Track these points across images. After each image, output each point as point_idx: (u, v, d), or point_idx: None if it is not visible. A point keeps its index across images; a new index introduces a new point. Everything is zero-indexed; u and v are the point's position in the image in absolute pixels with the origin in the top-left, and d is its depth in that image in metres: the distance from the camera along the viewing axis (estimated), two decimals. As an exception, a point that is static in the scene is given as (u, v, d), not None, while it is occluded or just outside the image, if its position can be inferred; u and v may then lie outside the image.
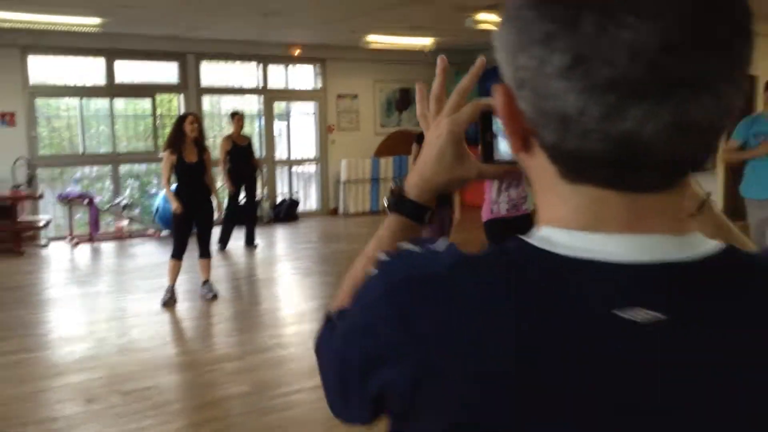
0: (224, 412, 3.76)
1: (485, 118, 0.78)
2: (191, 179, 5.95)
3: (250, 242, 8.87)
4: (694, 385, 0.54)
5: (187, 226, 6.00)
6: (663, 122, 0.51)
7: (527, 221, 4.57)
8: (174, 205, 5.90)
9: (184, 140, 5.88)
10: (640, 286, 0.56)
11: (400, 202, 0.85)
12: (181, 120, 6.00)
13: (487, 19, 8.33)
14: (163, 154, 6.01)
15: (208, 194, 6.15)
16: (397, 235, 0.85)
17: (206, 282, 6.20)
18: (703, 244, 0.58)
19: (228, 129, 9.26)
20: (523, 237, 0.60)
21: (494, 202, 4.71)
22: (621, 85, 0.51)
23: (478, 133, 0.81)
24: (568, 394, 0.54)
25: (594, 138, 0.53)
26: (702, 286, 0.56)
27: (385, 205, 0.88)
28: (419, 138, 7.28)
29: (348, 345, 0.66)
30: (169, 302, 5.91)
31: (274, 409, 3.80)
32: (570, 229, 0.58)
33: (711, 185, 7.55)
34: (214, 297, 6.14)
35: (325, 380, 0.74)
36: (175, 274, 5.96)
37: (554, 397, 0.54)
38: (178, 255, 5.96)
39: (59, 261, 8.38)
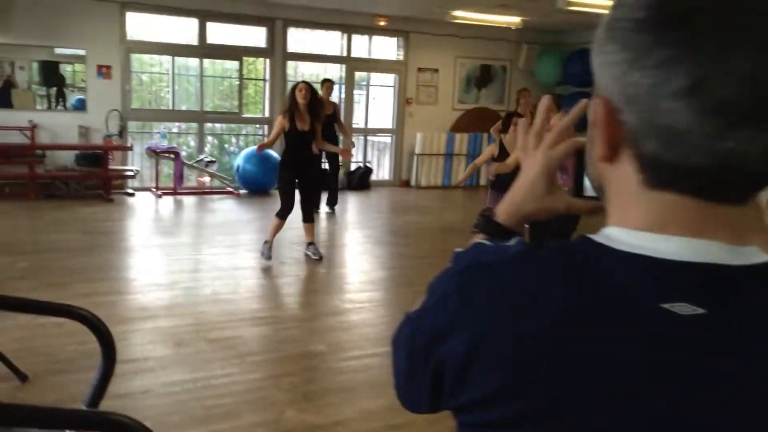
0: (302, 368, 3.99)
1: (579, 155, 0.83)
2: (299, 146, 6.18)
3: (331, 205, 9.21)
4: (725, 376, 0.61)
5: (294, 189, 6.25)
6: (763, 145, 0.58)
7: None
8: (266, 142, 6.28)
9: (297, 107, 6.10)
10: (687, 282, 0.62)
11: (488, 224, 0.90)
12: (293, 89, 6.22)
13: (579, 1, 8.21)
14: (278, 118, 6.30)
15: (314, 161, 6.41)
16: None
17: (311, 243, 6.49)
18: (757, 256, 0.64)
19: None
20: (588, 234, 0.67)
21: None
22: (733, 109, 0.57)
23: (573, 168, 0.86)
24: (603, 367, 0.61)
25: (699, 153, 0.59)
26: (745, 288, 0.62)
27: (474, 226, 0.92)
28: (507, 116, 7.21)
29: (419, 325, 0.72)
30: (268, 256, 6.20)
31: (348, 369, 4.01)
32: (635, 229, 0.65)
33: None
34: (320, 258, 6.44)
35: (395, 368, 0.80)
36: (276, 231, 6.25)
37: (587, 370, 0.61)
38: (283, 215, 6.21)
39: (145, 210, 8.84)
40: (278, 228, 6.23)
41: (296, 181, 6.21)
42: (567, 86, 12.11)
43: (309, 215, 6.41)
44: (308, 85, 6.20)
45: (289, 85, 10.74)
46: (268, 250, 6.20)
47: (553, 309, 0.63)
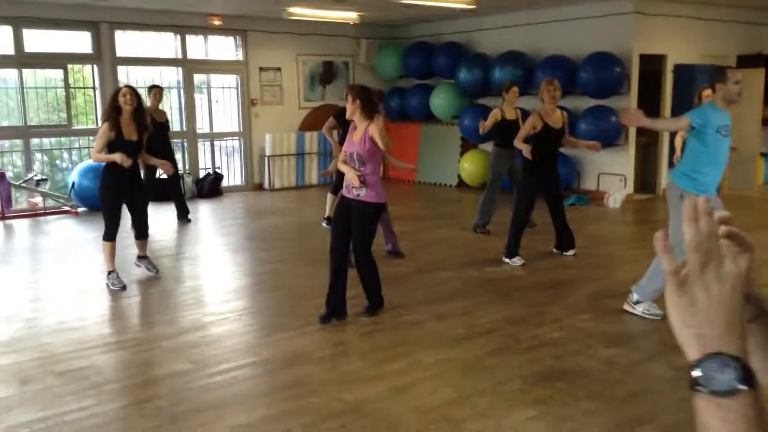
0: (166, 390, 3.75)
1: None
2: (127, 158, 5.58)
3: (183, 216, 8.79)
4: None
5: (120, 207, 5.78)
6: None
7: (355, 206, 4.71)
8: (118, 158, 5.43)
9: (121, 115, 5.57)
10: None
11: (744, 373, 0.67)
12: (115, 93, 5.66)
13: (413, -5, 8.41)
14: (101, 128, 5.61)
15: (139, 174, 5.97)
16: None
17: (144, 257, 6.10)
18: None
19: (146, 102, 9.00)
20: None
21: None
22: None
23: None
24: None
25: None
26: None
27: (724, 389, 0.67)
28: (337, 113, 7.17)
29: None
30: (122, 286, 5.70)
31: (217, 385, 3.82)
32: None
33: (623, 160, 7.87)
34: (156, 272, 6.08)
35: None
36: (113, 255, 5.75)
37: None
38: (112, 236, 5.73)
39: (-31, 240, 7.98)
40: (113, 251, 5.75)
41: (123, 198, 5.73)
42: (408, 79, 12.43)
43: (143, 231, 5.99)
44: (132, 90, 5.66)
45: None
46: (116, 279, 5.72)
47: None
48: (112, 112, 5.57)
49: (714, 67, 6.87)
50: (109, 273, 5.75)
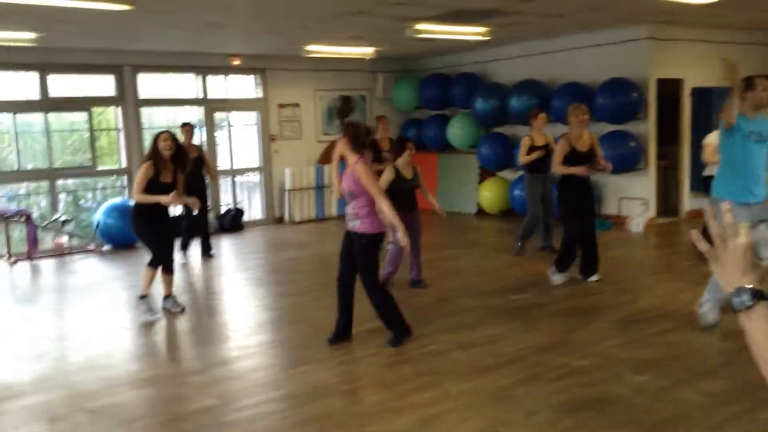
0: (193, 426, 3.76)
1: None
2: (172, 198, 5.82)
3: (206, 252, 8.89)
4: None
5: (159, 232, 5.94)
6: None
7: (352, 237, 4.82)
8: (165, 199, 5.71)
9: (161, 157, 5.82)
10: None
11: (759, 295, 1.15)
12: (155, 138, 5.92)
13: (427, 29, 8.53)
14: (142, 166, 5.87)
15: (167, 211, 6.11)
16: None
17: (169, 296, 6.18)
18: None
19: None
20: None
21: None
22: None
23: None
24: None
25: None
26: None
27: (743, 307, 1.16)
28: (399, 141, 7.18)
29: None
30: (154, 311, 5.90)
31: (244, 420, 3.83)
32: None
33: (644, 184, 7.86)
34: (182, 310, 6.14)
35: None
36: (150, 282, 5.94)
37: None
38: (157, 263, 5.92)
39: (-2, 281, 8.11)
40: (152, 278, 5.93)
41: (159, 227, 5.93)
42: (424, 110, 12.54)
43: (170, 265, 6.11)
44: (171, 135, 5.97)
45: (145, 133, 10.43)
46: (148, 305, 5.88)
47: None
48: (153, 155, 5.83)
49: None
50: (141, 297, 5.91)
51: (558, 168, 6.36)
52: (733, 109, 4.67)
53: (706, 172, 6.74)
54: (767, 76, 4.93)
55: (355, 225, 4.79)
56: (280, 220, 11.88)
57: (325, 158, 12.17)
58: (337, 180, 5.04)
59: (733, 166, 4.75)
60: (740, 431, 3.41)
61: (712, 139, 6.60)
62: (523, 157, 7.73)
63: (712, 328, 4.95)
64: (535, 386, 4.10)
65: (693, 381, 4.09)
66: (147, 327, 5.77)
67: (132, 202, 6.13)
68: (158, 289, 6.16)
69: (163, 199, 5.73)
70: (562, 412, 3.70)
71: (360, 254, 4.81)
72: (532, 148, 7.68)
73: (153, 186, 5.79)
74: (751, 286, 1.15)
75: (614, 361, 4.48)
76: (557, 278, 6.50)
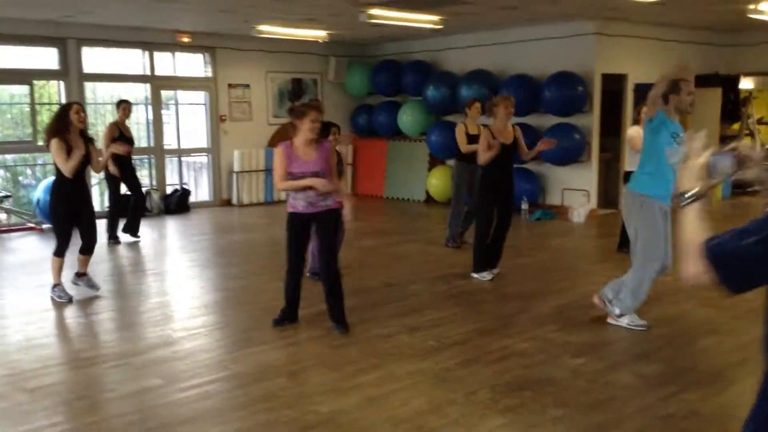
0: (137, 406, 3.74)
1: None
2: (77, 172, 5.64)
3: (133, 233, 8.59)
4: None
5: (72, 222, 5.78)
6: None
7: (324, 216, 4.81)
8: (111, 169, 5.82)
9: (69, 130, 5.60)
10: None
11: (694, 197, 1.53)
12: (65, 109, 5.68)
13: (381, 15, 8.54)
14: (52, 143, 5.56)
15: (88, 187, 5.95)
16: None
17: (84, 274, 6.03)
18: None
19: (110, 117, 8.99)
20: None
21: (294, 197, 4.87)
22: None
23: None
24: None
25: None
26: None
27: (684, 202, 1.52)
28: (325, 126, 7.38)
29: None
30: (69, 298, 5.73)
31: (188, 400, 3.82)
32: None
33: (586, 176, 8.04)
34: (98, 289, 6.03)
35: (733, 269, 1.36)
36: (60, 271, 5.79)
37: None
38: (62, 252, 5.76)
39: (-70, 258, 7.81)
40: (62, 266, 5.78)
41: (74, 211, 5.72)
42: (376, 96, 12.56)
43: (90, 246, 5.93)
44: (82, 107, 5.77)
45: (89, 108, 10.12)
46: (63, 292, 5.77)
47: None
48: (61, 128, 5.58)
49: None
50: (55, 286, 5.79)
51: (480, 158, 6.19)
52: (655, 103, 4.73)
53: (629, 167, 6.75)
54: (697, 78, 4.94)
55: (328, 203, 4.81)
56: (228, 203, 11.75)
57: (276, 141, 12.07)
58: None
59: (657, 164, 4.71)
60: (670, 411, 3.59)
61: (636, 131, 6.77)
62: (464, 146, 7.59)
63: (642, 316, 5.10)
64: (477, 368, 4.22)
65: (628, 364, 4.28)
66: (88, 306, 5.66)
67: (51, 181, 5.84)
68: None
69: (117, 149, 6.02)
70: (502, 392, 3.82)
71: (336, 231, 4.94)
72: (468, 136, 7.54)
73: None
74: (695, 190, 1.51)
75: (553, 344, 4.64)
76: (483, 276, 6.38)
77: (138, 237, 8.61)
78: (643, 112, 6.76)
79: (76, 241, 5.87)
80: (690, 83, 4.83)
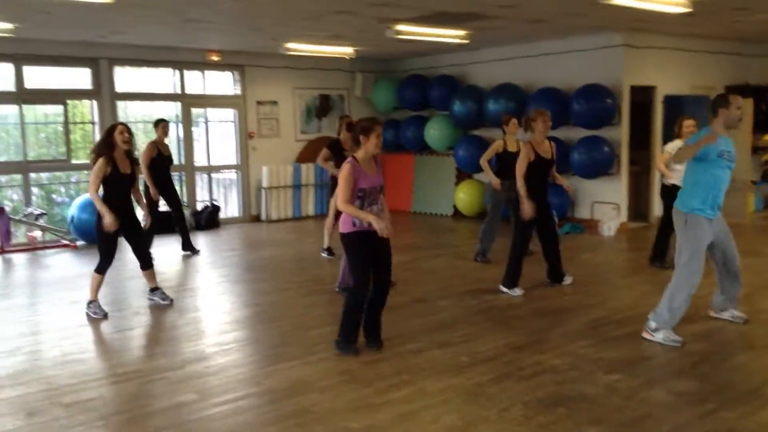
0: (172, 421, 3.78)
1: None
2: (124, 191, 5.84)
3: (188, 248, 8.91)
4: None
5: (116, 240, 5.87)
6: None
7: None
8: (108, 220, 5.63)
9: (115, 150, 5.75)
10: None
11: None
12: (110, 130, 5.83)
13: (408, 30, 8.60)
14: (97, 163, 5.72)
15: (133, 206, 6.07)
16: None
17: (156, 289, 6.22)
18: None
19: (142, 135, 9.19)
20: None
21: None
22: None
23: None
24: None
25: None
26: None
27: None
28: (330, 144, 7.75)
29: None
30: (104, 314, 5.84)
31: (222, 415, 3.85)
32: None
33: (616, 189, 7.99)
34: (171, 302, 6.21)
35: None
36: (98, 288, 5.91)
37: None
38: (104, 270, 5.86)
39: (-31, 274, 7.99)
40: (101, 284, 5.91)
41: (119, 232, 5.81)
42: (403, 111, 12.61)
43: (147, 261, 6.13)
44: (127, 127, 5.86)
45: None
46: (98, 308, 5.88)
47: None
48: (106, 148, 5.72)
49: (706, 97, 7.00)
50: (91, 302, 5.90)
51: (519, 176, 6.17)
52: (716, 131, 4.72)
53: (670, 181, 6.69)
54: (728, 89, 5.00)
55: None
56: (256, 218, 11.86)
57: (303, 157, 12.18)
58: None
59: (704, 183, 4.73)
60: (707, 429, 3.53)
61: (671, 148, 6.71)
62: (485, 161, 7.50)
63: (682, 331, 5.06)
64: (510, 383, 4.19)
65: (663, 381, 4.21)
66: (123, 322, 5.75)
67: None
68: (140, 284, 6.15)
69: (105, 218, 5.61)
70: (535, 409, 3.79)
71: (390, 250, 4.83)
72: (498, 155, 7.47)
73: (113, 179, 5.72)
74: None
75: (586, 360, 4.58)
76: (515, 292, 6.36)
77: (197, 250, 8.95)
78: (685, 125, 6.74)
79: (119, 258, 5.97)
80: (739, 98, 4.85)
